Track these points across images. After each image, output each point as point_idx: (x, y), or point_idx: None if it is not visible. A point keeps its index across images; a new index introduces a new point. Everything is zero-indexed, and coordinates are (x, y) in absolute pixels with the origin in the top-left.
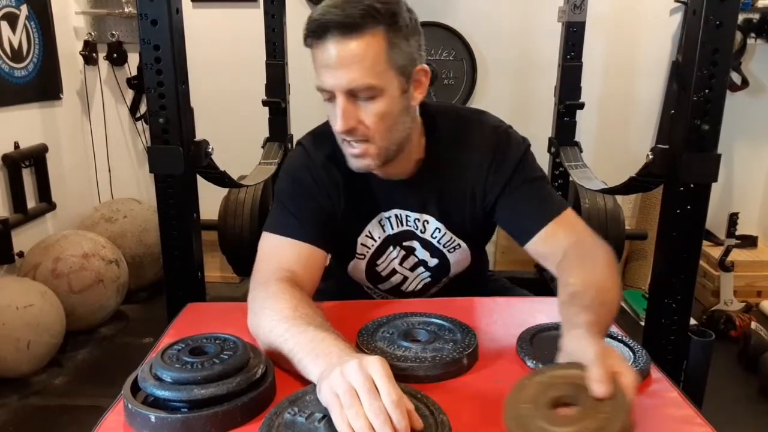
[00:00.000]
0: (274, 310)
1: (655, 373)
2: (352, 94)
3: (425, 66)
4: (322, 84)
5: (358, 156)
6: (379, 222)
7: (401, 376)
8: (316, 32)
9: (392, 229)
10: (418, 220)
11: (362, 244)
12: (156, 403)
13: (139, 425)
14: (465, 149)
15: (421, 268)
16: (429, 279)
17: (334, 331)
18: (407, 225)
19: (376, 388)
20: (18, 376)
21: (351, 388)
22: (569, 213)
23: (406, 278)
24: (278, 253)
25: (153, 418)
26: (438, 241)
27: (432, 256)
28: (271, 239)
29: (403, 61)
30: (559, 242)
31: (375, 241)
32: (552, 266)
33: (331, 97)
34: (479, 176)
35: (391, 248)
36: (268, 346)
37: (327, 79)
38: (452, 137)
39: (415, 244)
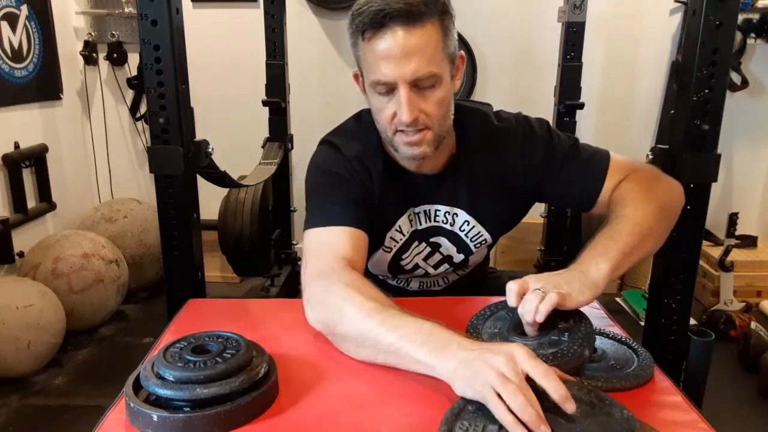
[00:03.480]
0: (355, 301)
1: (658, 375)
2: (414, 85)
3: (462, 52)
4: (383, 77)
5: (415, 144)
6: (409, 217)
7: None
8: (378, 23)
9: (420, 224)
10: (448, 213)
11: (391, 238)
12: (158, 402)
13: (141, 424)
14: (493, 143)
15: (446, 264)
16: (451, 271)
17: (424, 317)
18: (435, 220)
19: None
20: (18, 376)
21: (507, 380)
22: (614, 161)
23: (428, 273)
24: (328, 243)
25: (155, 417)
26: (466, 234)
27: (459, 251)
28: (315, 233)
29: (452, 48)
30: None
31: (404, 235)
32: None
33: (389, 90)
34: (513, 165)
35: (417, 243)
36: (355, 339)
37: (389, 71)
38: (479, 129)
39: (442, 239)
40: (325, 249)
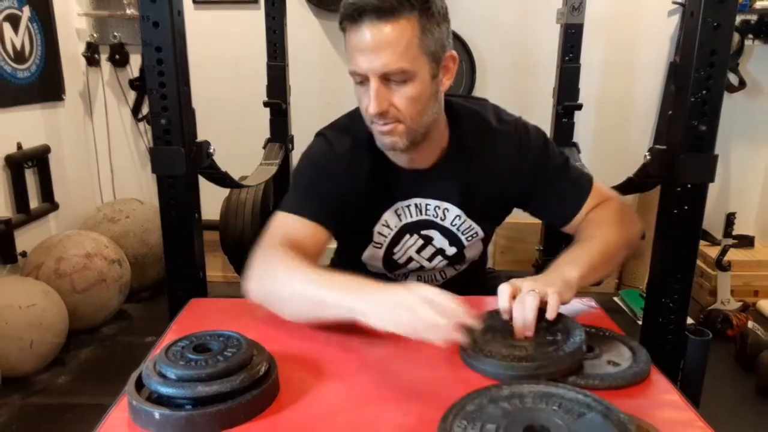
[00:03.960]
0: (292, 267)
1: (655, 374)
2: (386, 78)
3: (454, 53)
4: (356, 67)
5: (386, 133)
6: (396, 211)
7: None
8: (351, 15)
9: (409, 217)
10: (438, 208)
11: (379, 233)
12: (160, 400)
13: (143, 422)
14: (489, 139)
15: (439, 257)
16: (446, 264)
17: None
18: (426, 214)
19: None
20: (21, 375)
21: (414, 310)
22: (595, 187)
23: (423, 266)
24: (285, 227)
25: (157, 415)
26: (458, 229)
27: (450, 244)
28: (280, 216)
29: (435, 46)
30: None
31: (391, 229)
32: None
33: (363, 80)
34: (505, 165)
35: (408, 236)
36: (290, 299)
37: (361, 63)
38: (475, 127)
39: (434, 233)
40: (279, 231)
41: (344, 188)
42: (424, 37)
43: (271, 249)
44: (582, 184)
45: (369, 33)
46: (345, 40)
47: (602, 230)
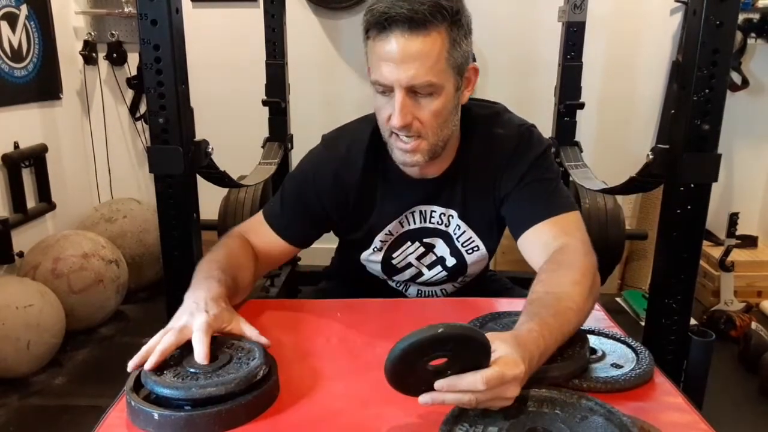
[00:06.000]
0: (207, 260)
1: (658, 376)
2: (412, 90)
3: (476, 65)
4: (382, 78)
5: (408, 151)
6: (399, 221)
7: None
8: (381, 25)
9: (411, 224)
10: (444, 214)
11: (380, 240)
12: (158, 401)
13: (142, 423)
14: (491, 148)
15: (439, 267)
16: (445, 276)
17: (219, 277)
18: (431, 222)
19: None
20: (18, 376)
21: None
22: (570, 216)
23: (421, 273)
24: (252, 228)
25: (156, 416)
26: (457, 238)
27: (451, 254)
28: (258, 218)
29: (461, 59)
30: (545, 242)
31: (392, 235)
32: (534, 266)
33: (386, 90)
34: (499, 173)
35: (409, 243)
36: None
37: (388, 74)
38: (483, 137)
39: (437, 240)
40: (248, 228)
41: (326, 204)
42: (453, 50)
43: (228, 236)
44: (556, 204)
45: (398, 44)
46: (367, 48)
47: (576, 297)
